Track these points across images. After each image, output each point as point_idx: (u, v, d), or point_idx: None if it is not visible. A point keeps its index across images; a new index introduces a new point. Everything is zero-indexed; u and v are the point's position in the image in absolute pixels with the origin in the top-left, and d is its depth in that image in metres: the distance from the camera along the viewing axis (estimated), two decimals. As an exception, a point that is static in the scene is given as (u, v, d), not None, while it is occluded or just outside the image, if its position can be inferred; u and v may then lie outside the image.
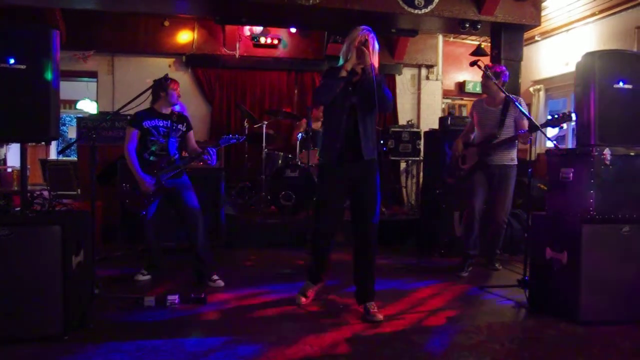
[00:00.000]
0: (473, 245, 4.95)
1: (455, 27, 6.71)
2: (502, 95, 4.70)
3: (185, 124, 4.50)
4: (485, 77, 4.70)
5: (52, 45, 3.15)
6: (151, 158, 4.34)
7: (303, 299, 3.85)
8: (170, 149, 4.39)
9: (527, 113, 4.30)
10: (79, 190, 6.74)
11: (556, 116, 4.07)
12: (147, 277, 4.55)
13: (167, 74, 4.08)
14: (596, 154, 3.56)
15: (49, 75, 3.13)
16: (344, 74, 3.49)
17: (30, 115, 3.12)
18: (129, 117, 6.02)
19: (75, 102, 12.36)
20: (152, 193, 4.32)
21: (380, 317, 3.51)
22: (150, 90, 4.10)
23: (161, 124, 4.38)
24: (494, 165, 4.81)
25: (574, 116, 3.85)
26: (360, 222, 3.68)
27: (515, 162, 4.89)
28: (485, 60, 4.83)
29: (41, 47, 3.14)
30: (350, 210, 3.75)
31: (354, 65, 3.53)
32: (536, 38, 8.79)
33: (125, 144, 4.31)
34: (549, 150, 4.09)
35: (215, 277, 4.41)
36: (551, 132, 9.54)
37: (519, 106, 4.34)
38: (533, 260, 3.93)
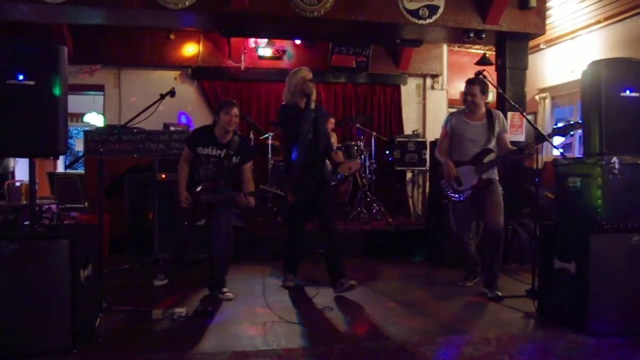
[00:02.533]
0: (474, 261, 4.90)
1: (460, 36, 6.72)
2: (484, 108, 4.66)
3: (240, 157, 4.45)
4: (480, 92, 4.54)
5: (60, 62, 3.20)
6: (200, 179, 4.44)
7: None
8: (217, 178, 4.41)
9: (507, 127, 4.44)
10: (86, 203, 6.79)
11: (567, 123, 4.06)
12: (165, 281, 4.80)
13: (173, 88, 4.10)
14: (604, 162, 3.56)
15: (57, 91, 3.17)
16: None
17: (38, 131, 3.16)
18: (135, 129, 6.11)
19: (82, 115, 12.40)
20: (196, 208, 4.41)
21: (352, 281, 4.42)
22: (159, 101, 4.06)
23: (214, 153, 4.40)
24: (484, 180, 4.56)
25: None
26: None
27: (498, 178, 4.66)
28: (489, 70, 4.82)
29: (50, 63, 3.19)
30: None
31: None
32: (541, 46, 8.79)
33: (181, 160, 4.53)
34: (556, 160, 4.10)
35: (225, 289, 4.45)
36: (557, 140, 9.53)
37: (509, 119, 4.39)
38: (541, 271, 3.93)
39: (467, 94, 4.61)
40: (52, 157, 3.45)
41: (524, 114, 4.61)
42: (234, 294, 4.41)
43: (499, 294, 4.45)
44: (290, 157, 4.47)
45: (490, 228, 4.51)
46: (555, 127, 4.24)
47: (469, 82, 4.61)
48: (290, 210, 4.79)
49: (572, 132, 4.30)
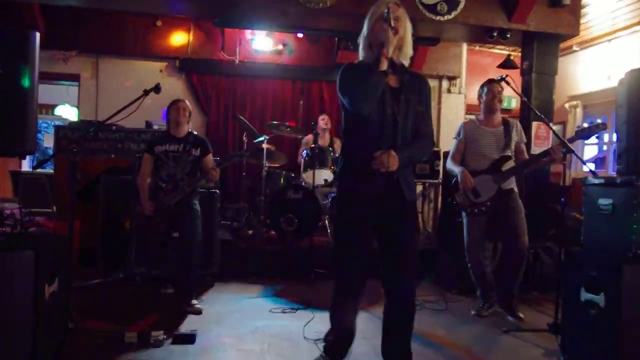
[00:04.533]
0: (490, 286, 4.89)
1: (482, 35, 6.73)
2: (500, 116, 4.84)
3: (199, 149, 4.88)
4: (489, 96, 4.73)
5: (31, 49, 3.19)
6: (162, 184, 4.75)
7: None
8: (179, 174, 4.77)
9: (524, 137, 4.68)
10: (54, 207, 6.74)
11: (591, 124, 4.10)
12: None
13: (158, 83, 4.10)
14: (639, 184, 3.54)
15: (26, 82, 3.15)
16: (384, 65, 2.83)
17: (4, 126, 3.13)
18: (114, 127, 6.09)
19: (53, 107, 12.41)
20: (159, 217, 4.72)
21: None
22: (143, 97, 4.15)
23: (172, 148, 4.83)
24: (503, 190, 4.67)
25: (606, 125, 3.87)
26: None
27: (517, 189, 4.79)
28: (513, 74, 4.84)
29: (19, 50, 3.17)
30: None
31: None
32: (574, 48, 8.79)
33: (139, 170, 4.89)
34: (585, 178, 4.08)
35: (194, 301, 4.70)
36: (589, 152, 9.51)
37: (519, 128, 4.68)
38: (566, 302, 3.90)
39: (489, 92, 4.76)
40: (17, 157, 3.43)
41: (550, 124, 4.62)
42: (218, 316, 4.38)
43: (521, 315, 4.58)
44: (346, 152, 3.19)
45: (512, 248, 4.61)
46: (577, 129, 4.29)
47: (491, 81, 4.79)
48: (336, 253, 3.26)
49: (597, 134, 4.44)
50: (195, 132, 5.07)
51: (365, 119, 2.89)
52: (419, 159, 3.30)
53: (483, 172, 4.68)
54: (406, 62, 3.05)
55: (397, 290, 3.06)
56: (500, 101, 4.79)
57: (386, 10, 2.81)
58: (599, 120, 4.18)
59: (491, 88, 4.77)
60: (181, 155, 4.80)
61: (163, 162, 4.78)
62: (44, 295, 3.12)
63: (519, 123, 4.87)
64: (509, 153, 4.70)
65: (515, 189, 4.72)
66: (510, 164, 4.67)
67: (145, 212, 4.75)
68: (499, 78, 4.46)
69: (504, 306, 4.71)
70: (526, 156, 4.77)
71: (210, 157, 4.96)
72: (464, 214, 4.84)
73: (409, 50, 3.02)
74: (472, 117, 5.05)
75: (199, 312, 4.57)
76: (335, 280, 3.17)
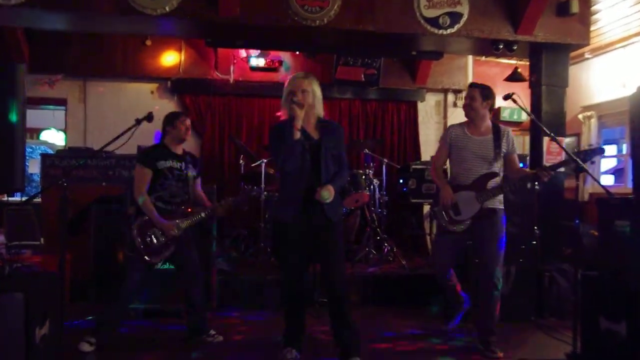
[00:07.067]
0: (457, 299, 5.04)
1: (487, 48, 6.77)
2: (489, 122, 4.73)
3: (197, 169, 4.83)
4: (481, 96, 4.64)
5: (17, 82, 3.25)
6: (162, 205, 4.56)
7: None
8: (182, 196, 4.68)
9: (516, 147, 4.68)
10: (42, 239, 6.75)
11: (588, 149, 4.14)
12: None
13: (151, 112, 4.17)
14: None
15: (13, 117, 3.21)
16: (297, 135, 3.87)
17: (-10, 163, 3.19)
18: (104, 153, 6.12)
19: (39, 131, 12.49)
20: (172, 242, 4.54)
21: None
22: (133, 129, 4.18)
23: (176, 166, 4.66)
24: (484, 209, 4.59)
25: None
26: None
27: (503, 207, 4.70)
28: (522, 87, 4.87)
29: (5, 84, 3.23)
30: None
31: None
32: (586, 55, 8.75)
33: (139, 187, 4.53)
34: (600, 199, 4.11)
35: (212, 331, 4.75)
36: (606, 164, 9.48)
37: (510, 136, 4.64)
38: (584, 330, 3.90)
39: (465, 98, 4.80)
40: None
41: (557, 140, 4.62)
42: (221, 355, 4.38)
43: (499, 354, 4.44)
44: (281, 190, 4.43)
45: (483, 273, 4.60)
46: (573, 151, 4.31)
47: (470, 86, 4.81)
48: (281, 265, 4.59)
49: (592, 160, 4.36)
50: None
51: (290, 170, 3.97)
52: (343, 186, 4.81)
53: (466, 187, 4.61)
54: (322, 113, 4.13)
55: (329, 282, 4.12)
56: (476, 109, 4.65)
57: (290, 96, 3.92)
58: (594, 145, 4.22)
59: (467, 92, 4.76)
60: (184, 174, 4.67)
61: (166, 181, 4.59)
62: (34, 338, 3.15)
63: (510, 130, 4.73)
64: (496, 169, 4.61)
65: (499, 206, 4.64)
66: (497, 180, 4.60)
67: (169, 235, 4.48)
68: (505, 97, 4.43)
69: (481, 340, 4.60)
70: (518, 167, 4.69)
71: (199, 180, 4.89)
72: (438, 231, 4.88)
73: (320, 108, 4.10)
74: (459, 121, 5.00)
75: (219, 340, 4.72)
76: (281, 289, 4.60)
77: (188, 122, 4.81)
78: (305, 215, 3.98)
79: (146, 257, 4.46)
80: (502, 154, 4.62)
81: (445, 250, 4.86)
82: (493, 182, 4.57)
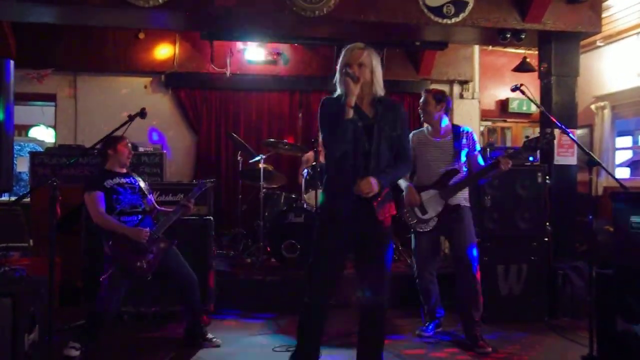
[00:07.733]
0: (436, 304, 5.14)
1: (494, 37, 6.73)
2: (449, 123, 5.01)
3: (146, 182, 4.90)
4: (434, 100, 4.92)
5: (4, 79, 3.20)
6: (124, 219, 4.55)
7: None
8: (142, 204, 4.72)
9: (478, 146, 4.91)
10: (31, 241, 6.70)
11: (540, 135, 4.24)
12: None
13: (143, 108, 4.12)
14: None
15: (0, 115, 3.17)
16: (350, 114, 3.37)
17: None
18: (95, 151, 6.08)
19: (27, 128, 12.44)
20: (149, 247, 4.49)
21: None
22: (128, 123, 4.16)
23: (124, 181, 4.71)
24: (450, 206, 4.84)
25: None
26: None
27: (469, 204, 4.96)
28: (532, 77, 4.84)
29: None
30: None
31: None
32: (598, 43, 8.69)
33: (95, 211, 4.51)
34: (614, 194, 4.06)
35: (209, 335, 4.76)
36: (622, 156, 9.41)
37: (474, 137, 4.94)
38: (600, 332, 3.86)
39: (420, 103, 5.05)
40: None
41: (568, 132, 4.56)
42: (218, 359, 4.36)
43: (487, 348, 4.61)
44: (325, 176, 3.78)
45: (456, 255, 4.91)
46: (525, 139, 4.42)
47: (423, 91, 5.11)
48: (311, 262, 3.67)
49: (542, 147, 4.72)
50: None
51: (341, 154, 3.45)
52: (396, 181, 4.17)
53: (429, 187, 4.84)
54: (381, 92, 3.53)
55: (368, 306, 3.52)
56: (429, 112, 4.93)
57: (345, 68, 3.38)
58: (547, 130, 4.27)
59: (421, 99, 5.04)
60: (134, 186, 4.74)
61: (120, 195, 4.62)
62: (23, 345, 3.12)
63: (472, 131, 5.04)
64: (456, 166, 4.83)
65: (464, 204, 4.88)
66: (459, 177, 4.83)
67: (141, 239, 4.43)
68: (513, 88, 4.45)
69: (468, 336, 4.81)
70: (478, 164, 4.92)
71: (153, 196, 4.99)
72: (412, 230, 5.04)
73: (379, 88, 3.52)
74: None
75: (217, 345, 4.72)
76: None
77: (130, 145, 4.83)
78: (356, 212, 3.44)
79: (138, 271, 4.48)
80: (463, 154, 4.89)
81: (420, 250, 5.07)
82: (455, 179, 4.80)
